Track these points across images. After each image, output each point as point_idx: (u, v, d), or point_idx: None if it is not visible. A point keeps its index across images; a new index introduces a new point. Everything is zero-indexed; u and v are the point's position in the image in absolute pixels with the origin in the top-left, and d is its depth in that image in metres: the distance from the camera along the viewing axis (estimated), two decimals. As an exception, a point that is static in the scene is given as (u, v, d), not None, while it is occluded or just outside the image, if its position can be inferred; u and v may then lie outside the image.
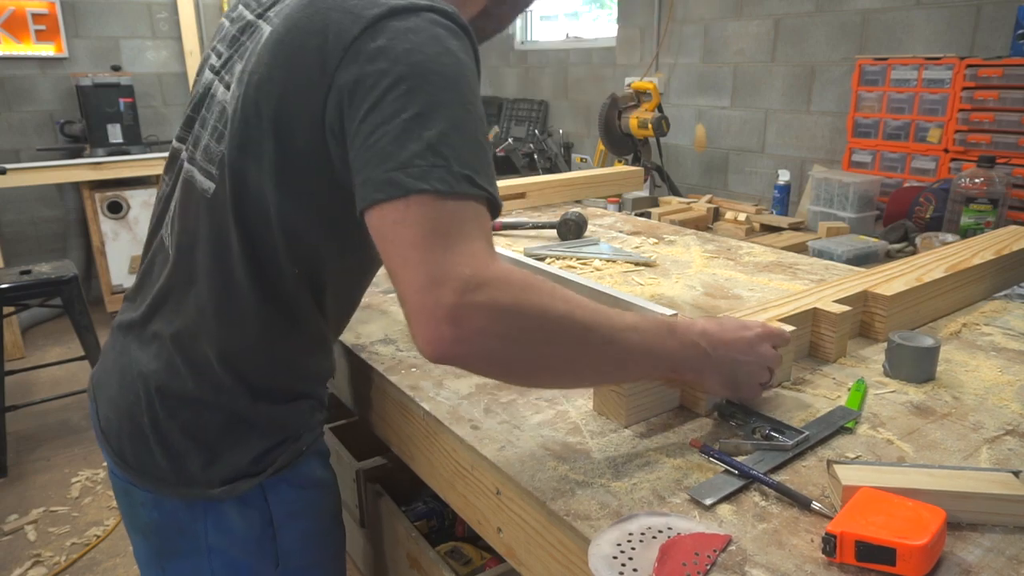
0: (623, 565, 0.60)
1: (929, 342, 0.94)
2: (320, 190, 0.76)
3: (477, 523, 0.83)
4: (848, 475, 0.66)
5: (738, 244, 1.69)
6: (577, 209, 1.94)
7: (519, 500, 0.73)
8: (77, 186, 4.17)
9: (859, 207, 2.54)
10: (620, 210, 2.71)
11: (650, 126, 3.23)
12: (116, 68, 4.41)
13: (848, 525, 0.60)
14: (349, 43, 0.69)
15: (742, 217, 2.63)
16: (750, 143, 3.49)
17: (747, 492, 0.70)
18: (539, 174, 3.67)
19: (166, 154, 0.93)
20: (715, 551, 0.61)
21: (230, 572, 0.89)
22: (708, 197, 2.96)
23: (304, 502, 0.92)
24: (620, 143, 3.43)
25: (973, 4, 2.55)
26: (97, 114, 4.17)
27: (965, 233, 2.15)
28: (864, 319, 1.08)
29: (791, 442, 0.76)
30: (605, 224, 1.90)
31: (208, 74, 0.88)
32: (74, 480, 2.69)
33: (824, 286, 1.09)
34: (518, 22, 5.03)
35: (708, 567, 0.59)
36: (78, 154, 4.23)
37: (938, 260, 1.20)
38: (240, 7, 0.88)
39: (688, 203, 2.83)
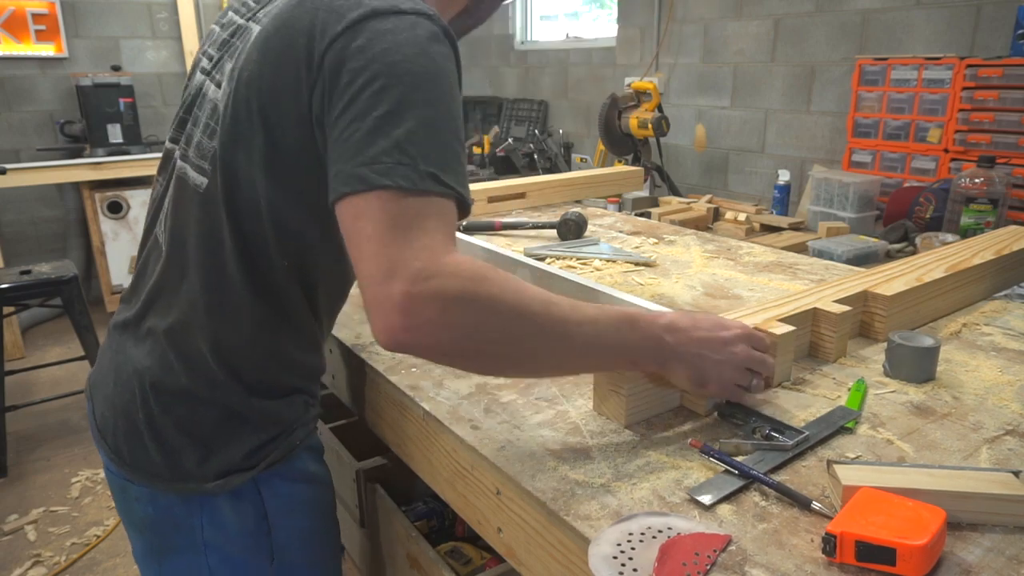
0: (623, 565, 0.60)
1: (929, 342, 0.94)
2: (309, 182, 0.78)
3: (477, 523, 0.83)
4: (848, 475, 0.67)
5: (738, 244, 1.69)
6: (577, 209, 1.94)
7: (519, 500, 0.73)
8: (77, 186, 4.17)
9: (859, 207, 2.54)
10: (620, 210, 2.71)
11: (650, 126, 3.23)
12: (116, 68, 4.41)
13: (848, 525, 0.60)
14: (331, 40, 0.72)
15: (742, 217, 2.63)
16: (750, 143, 3.49)
17: (747, 492, 0.70)
18: (539, 174, 3.67)
19: (167, 151, 0.94)
20: (715, 551, 0.61)
21: (226, 567, 0.90)
22: (708, 197, 2.96)
23: (298, 496, 0.93)
24: (620, 143, 3.43)
25: (973, 4, 2.55)
26: (97, 114, 4.17)
27: (965, 233, 2.15)
28: (864, 319, 1.08)
29: (791, 442, 0.76)
30: (605, 224, 1.90)
31: (199, 76, 0.90)
32: (74, 480, 2.69)
33: (824, 286, 1.09)
34: (518, 22, 5.03)
35: (708, 567, 0.59)
36: (78, 154, 4.23)
37: (938, 260, 1.20)
38: (230, 13, 0.91)
39: (688, 203, 2.83)
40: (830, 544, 0.60)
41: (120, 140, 4.23)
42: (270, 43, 0.77)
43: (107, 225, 4.11)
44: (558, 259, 1.53)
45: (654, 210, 2.74)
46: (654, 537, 0.63)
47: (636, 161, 3.42)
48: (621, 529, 0.64)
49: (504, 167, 4.17)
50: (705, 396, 0.84)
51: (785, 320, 0.94)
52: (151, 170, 4.02)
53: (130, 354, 0.88)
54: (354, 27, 0.72)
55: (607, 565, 0.60)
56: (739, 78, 3.48)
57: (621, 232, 1.80)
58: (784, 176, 2.93)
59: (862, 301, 1.07)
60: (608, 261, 1.51)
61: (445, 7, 0.93)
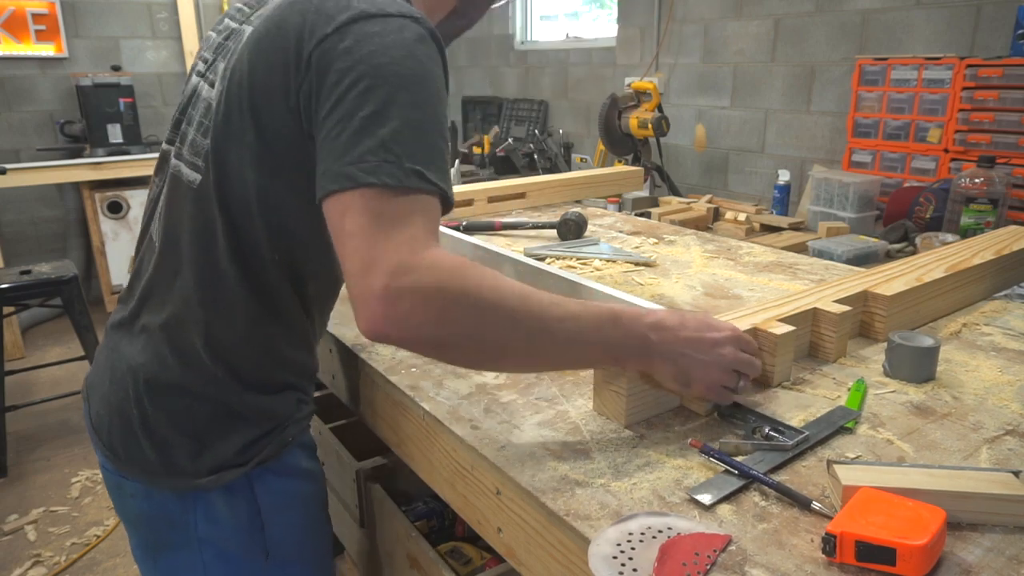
0: (623, 565, 0.60)
1: (929, 342, 0.94)
2: (299, 177, 0.80)
3: (477, 523, 0.83)
4: (848, 475, 0.67)
5: (738, 244, 1.69)
6: (577, 209, 1.94)
7: (519, 500, 0.73)
8: (77, 186, 4.17)
9: (859, 207, 2.54)
10: (620, 210, 2.71)
11: (650, 126, 3.23)
12: (116, 68, 4.41)
13: (848, 525, 0.60)
14: (320, 41, 0.74)
15: (742, 217, 2.63)
16: (750, 143, 3.49)
17: (747, 492, 0.70)
18: (539, 174, 3.67)
19: (164, 152, 0.96)
20: (715, 551, 0.61)
21: (221, 563, 0.91)
22: (708, 197, 2.96)
23: (291, 492, 0.94)
24: (620, 143, 3.43)
25: (973, 4, 2.55)
26: (97, 114, 4.17)
27: (965, 233, 2.15)
28: (864, 319, 1.08)
29: (791, 442, 0.76)
30: (605, 224, 1.90)
31: (194, 78, 0.92)
32: (74, 480, 2.70)
33: (824, 286, 1.09)
34: (518, 22, 5.03)
35: (708, 567, 0.59)
36: (78, 154, 4.23)
37: (938, 260, 1.20)
38: (226, 20, 0.93)
39: (688, 203, 2.83)
40: (830, 544, 0.60)
41: (120, 140, 4.23)
42: (261, 43, 0.79)
43: (107, 225, 4.12)
44: (558, 259, 1.53)
45: (654, 210, 2.74)
46: (654, 537, 0.63)
47: (636, 161, 3.42)
48: (621, 529, 0.64)
49: (504, 167, 4.17)
50: (690, 396, 0.83)
51: (785, 320, 0.94)
52: (151, 170, 3.99)
53: (124, 352, 0.89)
54: (342, 29, 0.74)
55: (607, 565, 0.60)
56: (739, 78, 3.48)
57: (621, 232, 1.80)
58: (784, 176, 2.93)
59: (862, 301, 1.07)
60: (608, 261, 1.51)
61: (433, 10, 0.95)
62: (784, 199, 2.88)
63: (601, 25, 4.60)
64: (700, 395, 0.81)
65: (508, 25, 5.04)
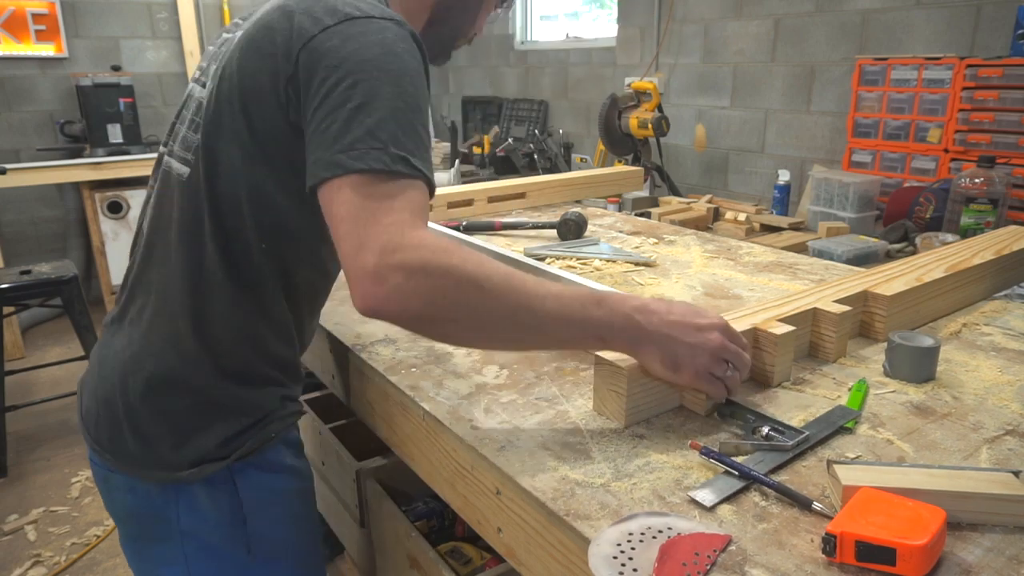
0: (623, 565, 0.60)
1: (929, 342, 0.94)
2: (286, 168, 0.85)
3: (477, 523, 0.83)
4: (848, 475, 0.67)
5: (738, 244, 1.69)
6: (577, 209, 1.94)
7: (519, 500, 0.73)
8: (77, 186, 4.17)
9: (859, 207, 2.54)
10: (620, 210, 2.71)
11: (650, 126, 3.23)
12: (116, 68, 4.41)
13: (848, 525, 0.60)
14: (308, 40, 0.79)
15: (742, 217, 2.62)
16: (750, 143, 3.49)
17: (747, 492, 0.70)
18: (539, 174, 3.67)
19: (158, 154, 1.00)
20: (715, 551, 0.61)
21: (203, 556, 0.92)
22: (708, 197, 2.96)
23: (274, 488, 0.95)
24: (620, 143, 3.43)
25: (973, 4, 2.55)
26: (97, 114, 4.17)
27: (965, 233, 2.15)
28: (864, 319, 1.08)
29: (791, 442, 0.76)
30: (605, 224, 1.90)
31: (190, 84, 0.98)
32: (74, 480, 2.70)
33: (824, 286, 1.09)
34: (518, 22, 5.03)
35: (708, 567, 0.59)
36: (78, 154, 4.23)
37: (938, 260, 1.20)
38: (223, 34, 0.98)
39: (688, 203, 2.83)
40: (830, 544, 0.60)
41: (120, 140, 4.23)
42: (251, 43, 0.84)
43: (107, 225, 4.11)
44: (558, 259, 1.53)
45: (654, 210, 2.74)
46: (654, 537, 0.63)
47: (636, 161, 3.42)
48: (621, 529, 0.64)
49: (504, 167, 4.17)
50: (679, 383, 0.82)
51: (785, 320, 0.94)
52: (151, 170, 4.01)
53: (113, 345, 0.93)
54: (329, 29, 0.79)
55: (607, 565, 0.60)
56: (739, 78, 3.48)
57: (621, 232, 1.80)
58: (784, 176, 2.93)
59: (862, 301, 1.07)
60: (608, 261, 1.51)
61: (410, 18, 0.99)
62: (784, 199, 2.88)
63: (601, 25, 4.60)
64: (689, 382, 0.80)
65: (508, 25, 5.04)
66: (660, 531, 0.64)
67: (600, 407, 0.86)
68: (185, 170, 0.89)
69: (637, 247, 1.64)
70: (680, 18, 3.72)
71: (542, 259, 1.53)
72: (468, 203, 1.96)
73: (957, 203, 2.21)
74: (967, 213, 2.18)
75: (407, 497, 1.42)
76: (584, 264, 1.50)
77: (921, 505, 0.61)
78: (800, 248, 2.24)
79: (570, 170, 3.54)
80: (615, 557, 0.61)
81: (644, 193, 3.08)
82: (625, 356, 0.82)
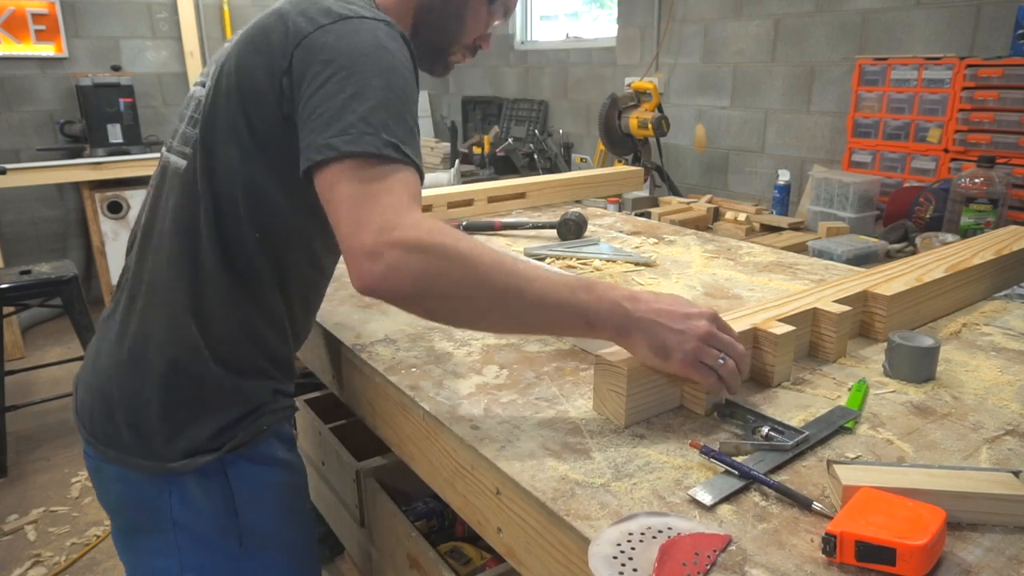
0: (623, 565, 0.60)
1: (929, 342, 0.94)
2: (280, 156, 0.88)
3: (477, 523, 0.83)
4: (848, 475, 0.67)
5: (738, 244, 1.69)
6: (577, 209, 1.94)
7: (519, 500, 0.73)
8: (77, 186, 4.17)
9: (859, 207, 2.54)
10: (620, 210, 2.71)
11: (650, 126, 3.23)
12: (116, 68, 4.41)
13: (848, 525, 0.60)
14: (302, 38, 0.84)
15: (742, 217, 2.62)
16: (750, 143, 3.49)
17: (747, 492, 0.70)
18: (539, 174, 3.67)
19: (160, 155, 1.02)
20: (715, 551, 0.61)
21: (196, 547, 0.93)
22: (708, 197, 2.96)
23: (264, 480, 0.96)
24: (620, 143, 3.43)
25: (973, 4, 2.55)
26: (97, 114, 4.17)
27: (965, 233, 2.15)
28: (864, 319, 1.08)
29: (791, 442, 0.76)
30: (605, 224, 1.90)
31: (192, 87, 1.01)
32: (74, 480, 2.70)
33: (824, 286, 1.09)
34: (518, 22, 5.03)
35: (708, 567, 0.59)
36: (78, 154, 4.23)
37: (938, 260, 1.20)
38: (225, 44, 1.00)
39: (688, 203, 2.83)
40: (830, 544, 0.60)
41: (120, 140, 4.23)
42: (249, 42, 0.89)
43: (107, 225, 4.11)
44: (558, 259, 1.53)
45: (654, 210, 2.74)
46: (654, 537, 0.63)
47: (636, 161, 3.42)
48: (621, 529, 0.64)
49: (504, 167, 4.17)
50: (670, 371, 0.81)
51: (785, 320, 0.94)
52: (151, 170, 3.98)
53: (108, 338, 0.95)
54: (324, 28, 0.84)
55: (607, 565, 0.60)
56: (739, 78, 3.48)
57: (621, 232, 1.80)
58: (784, 176, 2.93)
59: (862, 301, 1.07)
60: (608, 261, 1.51)
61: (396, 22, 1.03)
62: (784, 199, 2.88)
63: (601, 25, 4.60)
64: (678, 370, 0.80)
65: (508, 25, 5.04)
66: (660, 531, 0.64)
67: (600, 407, 0.86)
68: (182, 163, 0.92)
69: (637, 247, 1.64)
70: (680, 18, 3.72)
71: (542, 259, 1.53)
72: (468, 203, 1.96)
73: (957, 203, 2.21)
74: (967, 213, 2.18)
75: (407, 497, 1.42)
76: (584, 264, 1.50)
77: (921, 505, 0.61)
78: (800, 248, 2.24)
79: (570, 170, 3.54)
80: (615, 557, 0.61)
81: (644, 193, 3.08)
82: (625, 355, 0.82)
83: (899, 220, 2.38)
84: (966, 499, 0.64)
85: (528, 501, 0.72)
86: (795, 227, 2.60)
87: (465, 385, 0.95)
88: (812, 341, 1.01)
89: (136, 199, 4.14)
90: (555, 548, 0.69)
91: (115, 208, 4.11)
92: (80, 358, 3.03)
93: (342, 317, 1.22)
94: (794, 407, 0.87)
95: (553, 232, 1.72)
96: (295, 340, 1.04)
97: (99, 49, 4.49)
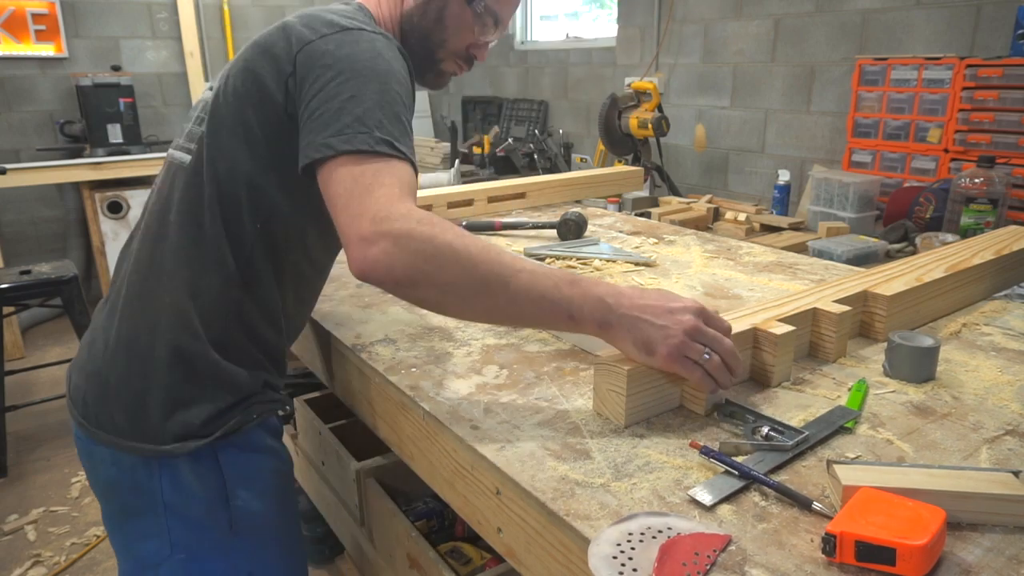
0: (623, 565, 0.60)
1: (929, 342, 0.94)
2: (280, 154, 0.93)
3: (477, 523, 0.83)
4: (848, 475, 0.67)
5: (738, 244, 1.69)
6: (577, 209, 1.94)
7: (519, 500, 0.73)
8: (77, 186, 4.16)
9: (859, 207, 2.54)
10: (620, 210, 2.71)
11: (650, 126, 3.23)
12: (116, 68, 4.41)
13: (848, 525, 0.60)
14: (305, 44, 0.90)
15: (742, 217, 2.62)
16: (750, 143, 3.49)
17: (747, 492, 0.70)
18: (539, 174, 3.67)
19: (166, 154, 1.06)
20: (715, 551, 0.61)
21: (186, 529, 0.95)
22: (708, 197, 2.96)
23: (254, 467, 0.99)
24: (620, 143, 3.43)
25: (973, 4, 2.55)
26: (97, 114, 4.17)
27: (965, 233, 2.15)
28: (864, 319, 1.08)
29: (791, 442, 0.76)
30: (605, 224, 1.90)
31: (202, 93, 1.07)
32: (74, 480, 2.70)
33: (824, 286, 1.09)
34: (518, 22, 5.03)
35: (708, 567, 0.60)
36: (78, 154, 4.22)
37: (938, 260, 1.20)
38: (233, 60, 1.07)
39: (688, 203, 2.83)
40: (830, 544, 0.60)
41: (120, 140, 4.22)
42: (255, 47, 0.95)
43: (107, 225, 4.11)
44: (558, 259, 1.53)
45: (654, 210, 2.74)
46: (654, 537, 0.63)
47: (636, 161, 3.42)
48: (621, 529, 0.64)
49: (504, 167, 4.17)
50: (656, 367, 0.81)
51: (785, 320, 0.94)
52: (151, 170, 4.01)
53: (104, 326, 0.99)
54: (326, 37, 0.90)
55: (607, 565, 0.60)
56: (739, 78, 3.48)
57: (621, 232, 1.80)
58: (784, 176, 2.93)
59: (862, 301, 1.07)
60: (608, 261, 1.51)
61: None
62: (784, 199, 2.88)
63: (601, 25, 4.60)
64: (664, 365, 0.80)
65: (508, 25, 5.03)
66: (660, 531, 0.64)
67: (600, 407, 0.86)
68: (187, 158, 0.98)
69: (637, 247, 1.64)
70: (680, 18, 3.72)
71: (542, 259, 1.53)
72: (468, 203, 1.96)
73: (957, 203, 2.21)
74: (967, 213, 2.18)
75: (407, 497, 1.42)
76: (584, 264, 1.50)
77: (921, 505, 0.61)
78: (800, 248, 2.24)
79: (570, 170, 3.54)
80: (615, 557, 0.61)
81: (644, 193, 3.08)
82: (624, 356, 0.82)
83: (899, 220, 2.38)
84: (966, 499, 0.64)
85: (528, 501, 0.72)
86: (795, 227, 2.60)
87: (465, 385, 0.95)
88: (812, 341, 1.01)
89: (136, 199, 4.13)
90: (555, 548, 0.69)
91: (115, 208, 4.10)
92: (80, 358, 3.03)
93: (342, 317, 1.22)
94: (794, 407, 0.87)
95: (553, 232, 1.72)
96: (288, 334, 1.07)
97: (99, 49, 4.49)
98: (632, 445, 0.79)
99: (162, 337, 0.93)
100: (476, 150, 4.44)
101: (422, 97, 5.41)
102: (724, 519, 0.66)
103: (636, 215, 2.49)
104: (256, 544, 1.00)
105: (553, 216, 1.88)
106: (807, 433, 0.78)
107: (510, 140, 4.34)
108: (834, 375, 0.96)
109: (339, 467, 1.43)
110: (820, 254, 2.10)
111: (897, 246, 2.26)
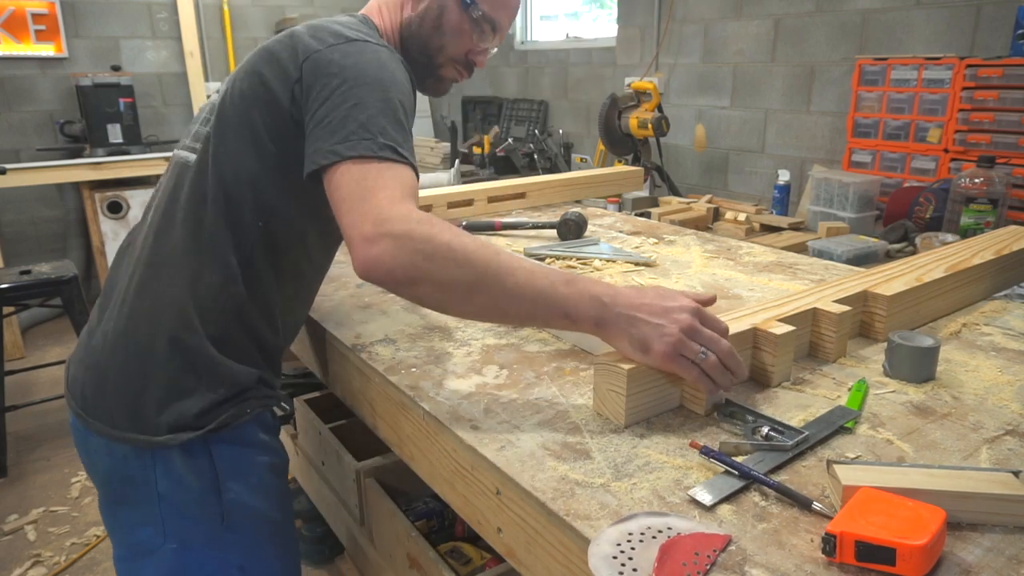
0: (623, 565, 0.60)
1: (929, 342, 0.94)
2: (284, 156, 0.97)
3: (477, 523, 0.83)
4: (848, 475, 0.67)
5: (738, 244, 1.69)
6: (577, 209, 1.94)
7: (519, 500, 0.73)
8: (77, 186, 4.16)
9: (859, 207, 2.54)
10: (620, 210, 2.71)
11: (650, 126, 3.23)
12: (116, 68, 4.41)
13: (848, 525, 0.60)
14: (312, 53, 0.94)
15: (742, 217, 2.62)
16: (750, 143, 3.49)
17: (747, 492, 0.70)
18: (539, 174, 3.67)
19: (166, 154, 1.15)
20: (715, 551, 0.61)
21: (179, 519, 0.96)
22: (708, 197, 2.96)
23: (247, 461, 1.01)
24: (620, 143, 3.43)
25: (973, 4, 2.55)
26: (97, 114, 4.16)
27: (965, 233, 2.15)
28: (864, 319, 1.08)
29: (791, 442, 0.76)
30: (605, 224, 1.90)
31: (210, 97, 1.11)
32: (74, 480, 2.70)
33: (824, 286, 1.09)
34: (518, 22, 5.03)
35: (708, 567, 0.60)
36: (78, 154, 4.22)
37: (938, 260, 1.20)
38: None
39: (688, 203, 2.83)
40: (830, 544, 0.60)
41: (120, 140, 4.22)
42: (263, 52, 0.99)
43: (107, 225, 4.11)
44: (558, 259, 1.53)
45: (654, 210, 2.74)
46: (654, 537, 0.63)
47: (636, 161, 3.42)
48: (621, 529, 0.64)
49: (504, 167, 4.17)
50: (653, 366, 0.81)
51: (785, 320, 0.94)
52: (151, 170, 4.02)
53: (104, 319, 1.01)
54: (332, 47, 0.94)
55: (607, 565, 0.60)
56: (739, 78, 3.48)
57: (621, 232, 1.80)
58: (784, 176, 2.93)
59: (862, 301, 1.07)
60: (608, 261, 1.51)
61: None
62: (784, 199, 2.88)
63: (601, 25, 4.60)
64: (660, 364, 0.80)
65: (506, 33, 5.03)
66: (660, 531, 0.64)
67: (600, 407, 0.86)
68: (192, 157, 1.01)
69: (637, 247, 1.64)
70: (680, 18, 3.72)
71: (542, 259, 1.53)
72: (468, 203, 1.96)
73: (957, 203, 2.21)
74: (967, 213, 2.18)
75: (407, 497, 1.42)
76: (584, 264, 1.50)
77: (921, 505, 0.61)
78: (800, 248, 2.24)
79: (570, 170, 3.54)
80: (615, 557, 0.61)
81: (644, 193, 3.08)
82: (623, 356, 0.82)
83: (899, 220, 2.38)
84: (966, 499, 0.64)
85: (528, 501, 0.72)
86: (795, 227, 2.60)
87: (465, 385, 0.95)
88: (812, 341, 1.01)
89: (136, 199, 4.13)
90: (555, 548, 0.69)
91: (115, 208, 4.10)
92: (80, 358, 3.03)
93: (342, 317, 1.22)
94: (794, 407, 0.87)
95: (553, 232, 1.72)
96: (284, 334, 1.09)
97: (99, 49, 4.49)
98: (632, 445, 0.79)
99: (160, 330, 0.95)
100: (476, 150, 4.44)
101: (422, 98, 5.38)
102: (724, 519, 0.66)
103: (636, 215, 2.49)
104: (248, 538, 1.01)
105: (553, 216, 1.88)
106: (807, 433, 0.78)
107: (510, 140, 4.34)
108: (834, 375, 0.96)
109: (339, 467, 1.43)
110: (820, 254, 2.10)
111: (897, 246, 2.26)
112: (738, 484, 0.70)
